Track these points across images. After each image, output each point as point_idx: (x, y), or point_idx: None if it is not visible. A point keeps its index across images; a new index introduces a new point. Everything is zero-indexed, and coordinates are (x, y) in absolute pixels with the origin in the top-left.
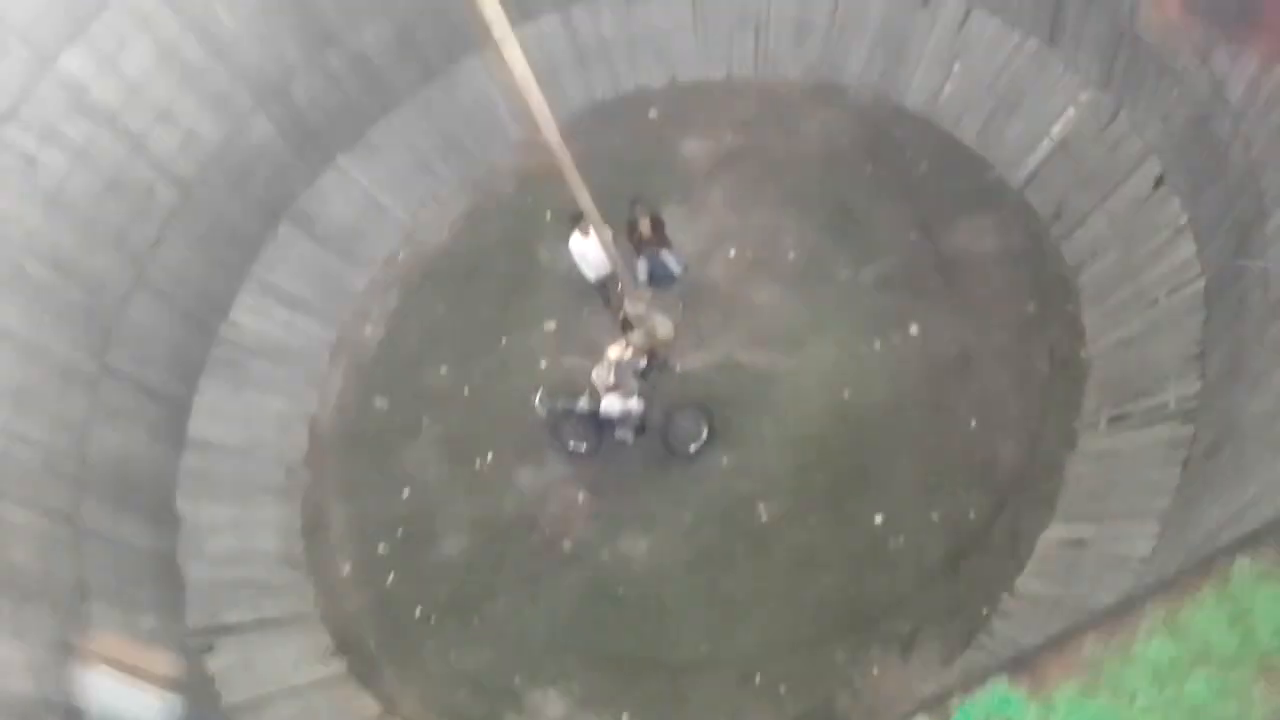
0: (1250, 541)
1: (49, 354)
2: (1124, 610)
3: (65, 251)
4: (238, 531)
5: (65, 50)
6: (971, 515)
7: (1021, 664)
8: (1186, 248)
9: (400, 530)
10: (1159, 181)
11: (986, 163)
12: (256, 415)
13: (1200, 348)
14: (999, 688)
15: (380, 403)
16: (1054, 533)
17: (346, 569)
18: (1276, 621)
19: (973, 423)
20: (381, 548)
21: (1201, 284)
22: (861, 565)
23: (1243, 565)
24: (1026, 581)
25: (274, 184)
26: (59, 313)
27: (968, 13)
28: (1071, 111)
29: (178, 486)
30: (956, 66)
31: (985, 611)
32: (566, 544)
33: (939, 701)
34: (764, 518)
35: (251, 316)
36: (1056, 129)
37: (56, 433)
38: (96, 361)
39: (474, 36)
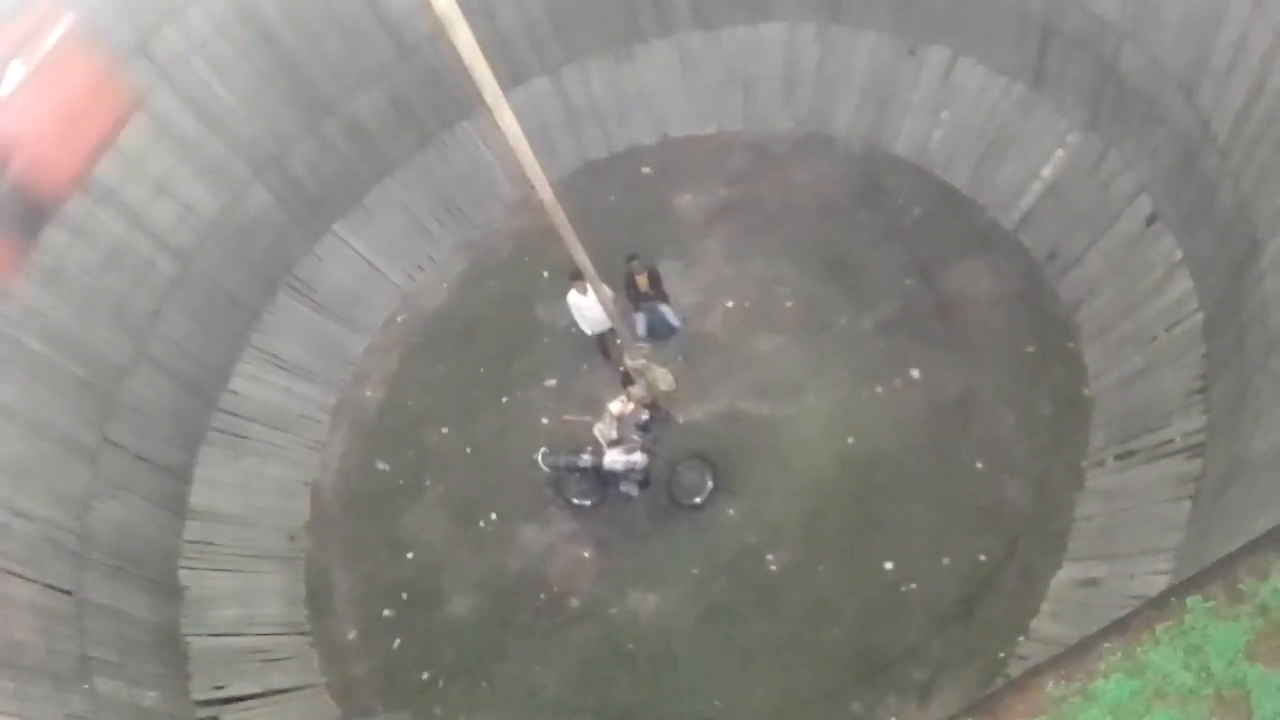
0: (1198, 581)
1: (49, 428)
2: (1083, 649)
3: (64, 327)
4: (241, 601)
5: None
6: (982, 558)
7: (985, 705)
8: (1183, 283)
9: (405, 593)
10: (1151, 219)
11: (979, 206)
12: (257, 483)
13: (1203, 382)
14: None
15: (382, 465)
16: (1067, 573)
17: (352, 635)
18: (1229, 655)
19: (979, 464)
20: (387, 612)
21: (1200, 318)
22: (874, 613)
23: (1194, 602)
24: (1042, 623)
25: (272, 252)
26: (58, 387)
27: (953, 60)
28: (1061, 153)
29: (180, 557)
30: (945, 113)
31: (1002, 655)
32: (574, 601)
33: None
34: (773, 568)
35: (251, 384)
36: (1047, 171)
37: (57, 507)
38: (97, 434)
39: (467, 101)
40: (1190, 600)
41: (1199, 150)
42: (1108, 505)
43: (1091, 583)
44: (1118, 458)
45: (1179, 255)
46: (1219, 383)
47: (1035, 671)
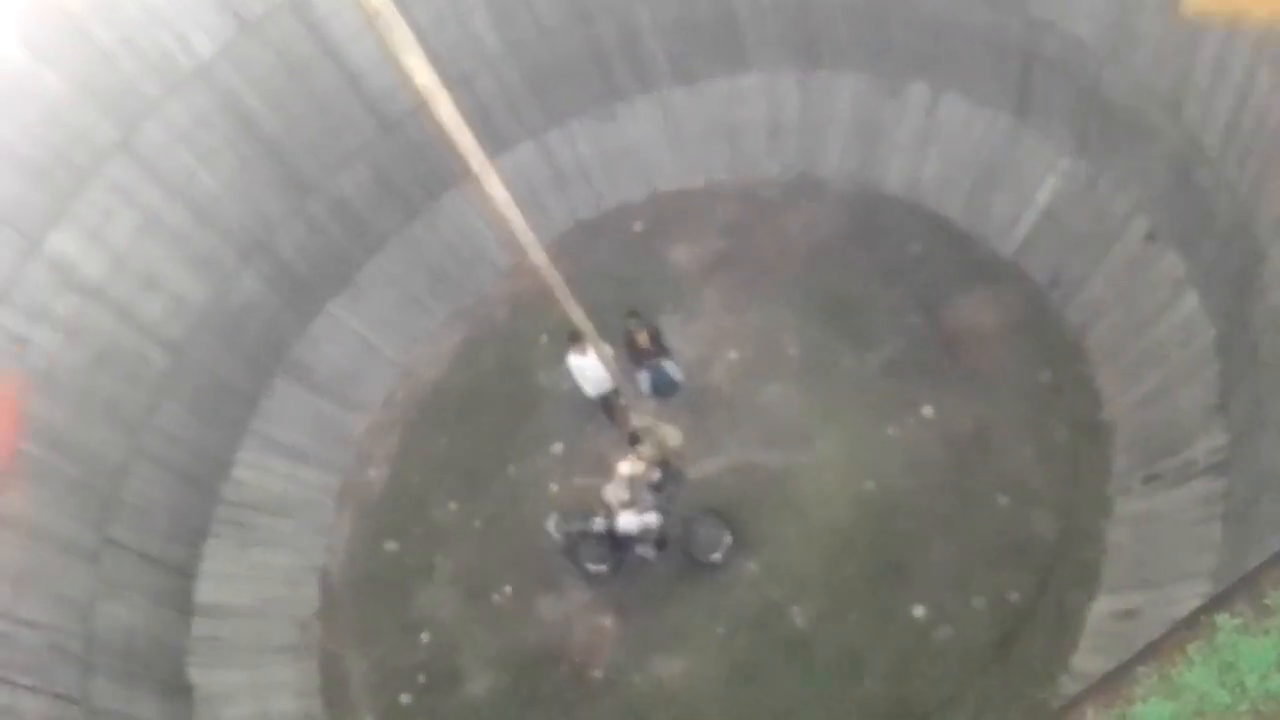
0: (1224, 598)
1: (48, 533)
2: (1118, 676)
3: (60, 428)
4: (254, 696)
5: (51, 230)
6: (1014, 596)
7: None
8: (1190, 299)
9: (422, 676)
10: (1151, 237)
11: (976, 237)
12: (265, 573)
13: (1221, 399)
14: None
15: (390, 546)
16: (1103, 604)
17: None
18: (1262, 670)
19: (1001, 499)
20: (404, 698)
21: (1212, 334)
22: (907, 662)
23: (1224, 620)
24: (1083, 659)
25: (266, 337)
26: (56, 490)
27: (936, 96)
28: (1053, 179)
29: (189, 655)
30: (932, 148)
31: (1044, 696)
32: (597, 672)
33: None
34: (799, 622)
35: (253, 472)
36: (1040, 197)
37: (61, 612)
38: (97, 535)
39: (451, 172)
40: (1219, 618)
41: (1191, 166)
42: (1138, 531)
43: (1130, 613)
44: (1143, 481)
45: (1182, 272)
46: (1238, 397)
47: (1074, 701)
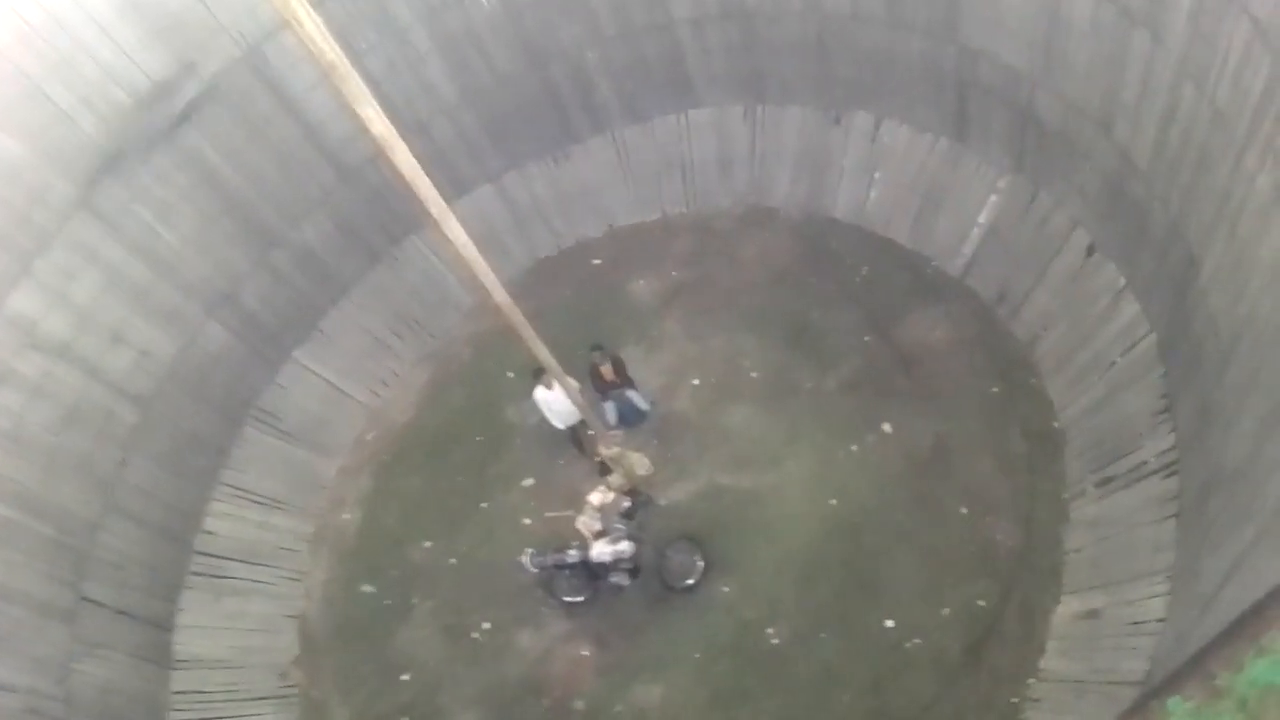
0: (1175, 681)
1: (22, 594)
2: None
3: (29, 488)
4: None
5: (12, 291)
6: (981, 603)
7: None
8: (1130, 308)
9: (406, 717)
10: (1091, 250)
11: (924, 258)
12: (242, 622)
13: (1166, 401)
14: None
15: (367, 588)
16: (1066, 607)
17: None
18: None
19: (963, 510)
20: None
21: (1154, 339)
22: (882, 674)
23: (1175, 704)
24: (1050, 662)
25: (234, 387)
26: (29, 550)
27: (877, 124)
28: (994, 198)
29: (169, 710)
30: (877, 174)
31: (1015, 700)
32: (578, 704)
33: None
34: (775, 641)
35: (226, 522)
36: (983, 217)
37: (37, 674)
38: (72, 594)
39: (413, 216)
40: (1171, 703)
41: (1124, 180)
42: (1095, 534)
43: (1092, 614)
44: (1097, 486)
45: (1122, 282)
46: (1182, 400)
47: None
